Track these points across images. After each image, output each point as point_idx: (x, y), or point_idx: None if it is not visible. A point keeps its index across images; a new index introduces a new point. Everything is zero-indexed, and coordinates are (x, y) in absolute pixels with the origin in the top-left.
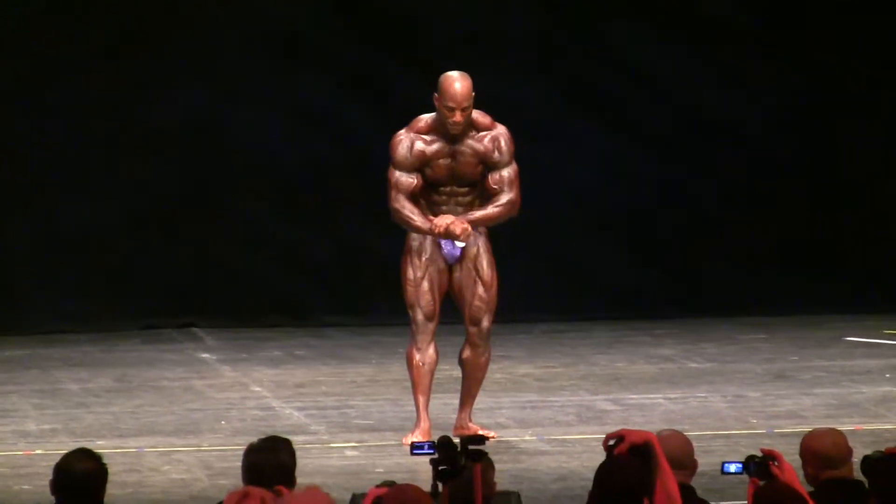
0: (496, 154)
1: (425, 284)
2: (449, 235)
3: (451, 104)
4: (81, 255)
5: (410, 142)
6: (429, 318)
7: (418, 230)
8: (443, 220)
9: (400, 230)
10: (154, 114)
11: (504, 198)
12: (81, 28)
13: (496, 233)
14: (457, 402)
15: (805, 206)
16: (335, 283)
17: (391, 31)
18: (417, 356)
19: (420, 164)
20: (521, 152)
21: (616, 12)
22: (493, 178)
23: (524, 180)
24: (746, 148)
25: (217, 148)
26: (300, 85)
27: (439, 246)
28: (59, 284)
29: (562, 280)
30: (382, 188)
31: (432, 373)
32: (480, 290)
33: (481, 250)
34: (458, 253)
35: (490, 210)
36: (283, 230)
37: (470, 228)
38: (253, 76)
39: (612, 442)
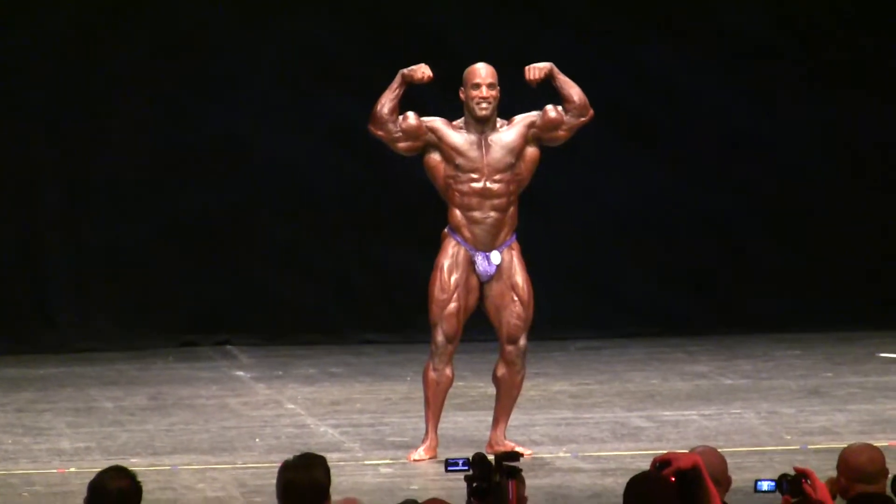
0: (529, 118)
1: (452, 306)
2: None
3: (476, 80)
4: (116, 274)
5: (438, 119)
6: (450, 339)
7: (392, 86)
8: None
9: (435, 247)
10: (188, 133)
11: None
12: (113, 52)
13: (531, 251)
14: (490, 419)
15: (838, 223)
16: (370, 301)
17: (423, 51)
18: (433, 375)
19: (430, 135)
20: (557, 173)
21: (650, 36)
22: (550, 111)
23: (559, 200)
24: (777, 166)
25: (251, 167)
26: (333, 105)
27: (473, 263)
28: (93, 303)
29: (596, 298)
30: (416, 206)
31: (446, 392)
32: (518, 308)
33: (516, 267)
34: (493, 271)
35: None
36: (317, 248)
37: (548, 70)
38: (286, 97)
39: (658, 465)
